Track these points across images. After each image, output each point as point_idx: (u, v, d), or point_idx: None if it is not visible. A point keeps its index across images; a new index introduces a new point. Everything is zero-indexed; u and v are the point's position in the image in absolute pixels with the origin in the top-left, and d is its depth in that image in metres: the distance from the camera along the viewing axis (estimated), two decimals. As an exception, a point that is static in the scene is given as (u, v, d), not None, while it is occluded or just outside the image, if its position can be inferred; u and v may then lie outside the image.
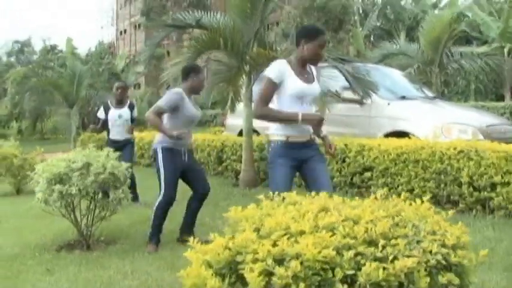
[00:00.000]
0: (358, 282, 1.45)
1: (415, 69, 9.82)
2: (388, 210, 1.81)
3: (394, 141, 5.61)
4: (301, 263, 1.48)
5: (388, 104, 6.66)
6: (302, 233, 1.63)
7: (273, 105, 3.31)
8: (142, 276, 3.52)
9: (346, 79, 6.79)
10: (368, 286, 1.42)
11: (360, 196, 5.74)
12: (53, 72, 19.56)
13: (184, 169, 4.32)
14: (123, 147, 6.18)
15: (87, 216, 4.40)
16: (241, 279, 1.62)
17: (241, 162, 7.57)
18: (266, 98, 3.26)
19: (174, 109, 4.21)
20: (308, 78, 3.33)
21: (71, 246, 4.45)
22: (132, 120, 6.56)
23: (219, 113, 21.68)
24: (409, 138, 5.69)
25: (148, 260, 3.92)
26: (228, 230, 1.96)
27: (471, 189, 4.88)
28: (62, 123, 13.58)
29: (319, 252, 1.49)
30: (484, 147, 4.93)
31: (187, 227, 4.47)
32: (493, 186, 4.76)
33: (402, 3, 22.14)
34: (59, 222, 5.28)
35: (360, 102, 6.90)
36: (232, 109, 7.92)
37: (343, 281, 1.46)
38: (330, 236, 1.57)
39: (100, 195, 4.23)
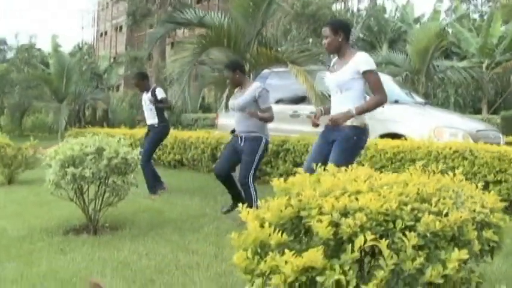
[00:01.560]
0: (417, 232, 1.59)
1: (402, 78, 10.13)
2: (429, 178, 1.97)
3: (391, 141, 5.82)
4: (365, 216, 1.62)
5: (382, 106, 6.87)
6: (359, 192, 1.77)
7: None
8: (157, 257, 3.60)
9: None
10: (428, 235, 1.57)
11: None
12: (34, 69, 19.35)
13: (238, 152, 4.84)
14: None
15: (95, 202, 4.45)
16: (304, 233, 1.75)
17: (235, 159, 7.69)
18: None
19: None
20: (336, 69, 3.56)
21: (77, 231, 4.47)
22: (160, 101, 6.40)
23: (200, 117, 21.72)
24: (405, 139, 5.92)
25: (160, 243, 3.99)
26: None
27: (465, 187, 5.11)
28: (42, 120, 13.39)
29: (381, 205, 1.63)
30: (477, 147, 5.18)
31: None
32: (487, 185, 4.99)
33: (386, 16, 22.68)
34: (60, 208, 5.33)
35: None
36: (228, 108, 8.05)
37: (403, 231, 1.60)
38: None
39: (111, 179, 4.28)
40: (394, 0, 22.38)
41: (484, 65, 15.88)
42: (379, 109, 6.94)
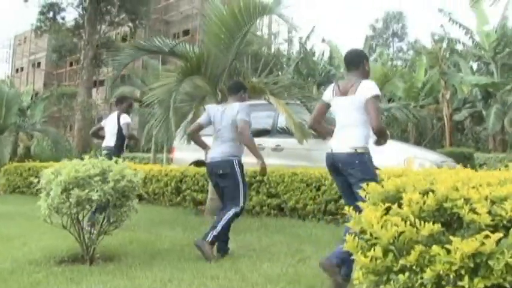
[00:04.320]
0: None
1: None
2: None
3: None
4: (516, 202, 1.68)
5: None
6: (490, 184, 1.84)
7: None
8: (183, 284, 3.39)
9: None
10: None
11: (335, 223, 6.03)
12: None
13: None
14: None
15: (90, 230, 4.15)
16: (448, 224, 1.78)
17: (202, 192, 7.55)
18: None
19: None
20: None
21: (69, 262, 4.11)
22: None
23: (128, 156, 21.04)
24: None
25: (175, 270, 3.75)
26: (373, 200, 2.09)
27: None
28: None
29: (526, 193, 1.71)
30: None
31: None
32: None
33: (314, 59, 23.70)
34: (36, 241, 4.99)
35: (324, 137, 7.32)
36: (189, 141, 7.90)
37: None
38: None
39: (113, 203, 4.01)
40: (325, 41, 23.31)
41: (411, 107, 17.08)
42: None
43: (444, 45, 18.47)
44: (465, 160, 11.82)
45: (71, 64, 41.60)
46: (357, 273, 1.99)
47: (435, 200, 1.80)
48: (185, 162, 8.74)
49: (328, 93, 3.77)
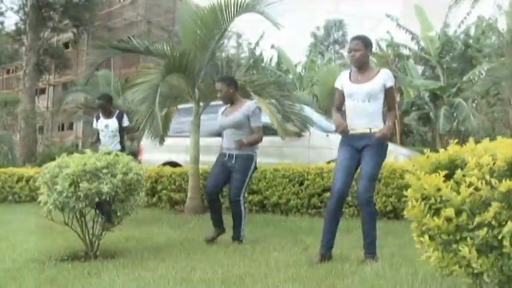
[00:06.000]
0: None
1: (314, 116, 10.85)
2: None
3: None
4: None
5: (327, 135, 7.32)
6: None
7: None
8: (207, 272, 3.32)
9: (286, 113, 7.30)
10: None
11: (320, 216, 6.17)
12: None
13: (228, 170, 4.74)
14: None
15: (93, 226, 4.04)
16: None
17: (179, 191, 7.48)
18: (336, 103, 3.91)
19: None
20: (361, 80, 3.78)
21: (69, 260, 3.96)
22: (123, 129, 6.56)
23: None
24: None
25: (191, 261, 3.72)
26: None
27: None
28: None
29: None
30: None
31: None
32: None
33: (263, 64, 23.95)
34: (26, 242, 4.73)
35: (298, 134, 7.49)
36: (162, 142, 7.80)
37: None
38: None
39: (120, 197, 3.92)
40: (274, 47, 23.68)
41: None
42: (325, 137, 7.43)
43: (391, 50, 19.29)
44: (421, 157, 12.44)
45: (8, 72, 39.70)
46: (420, 238, 2.11)
47: (504, 161, 1.94)
48: (154, 164, 8.60)
49: None
